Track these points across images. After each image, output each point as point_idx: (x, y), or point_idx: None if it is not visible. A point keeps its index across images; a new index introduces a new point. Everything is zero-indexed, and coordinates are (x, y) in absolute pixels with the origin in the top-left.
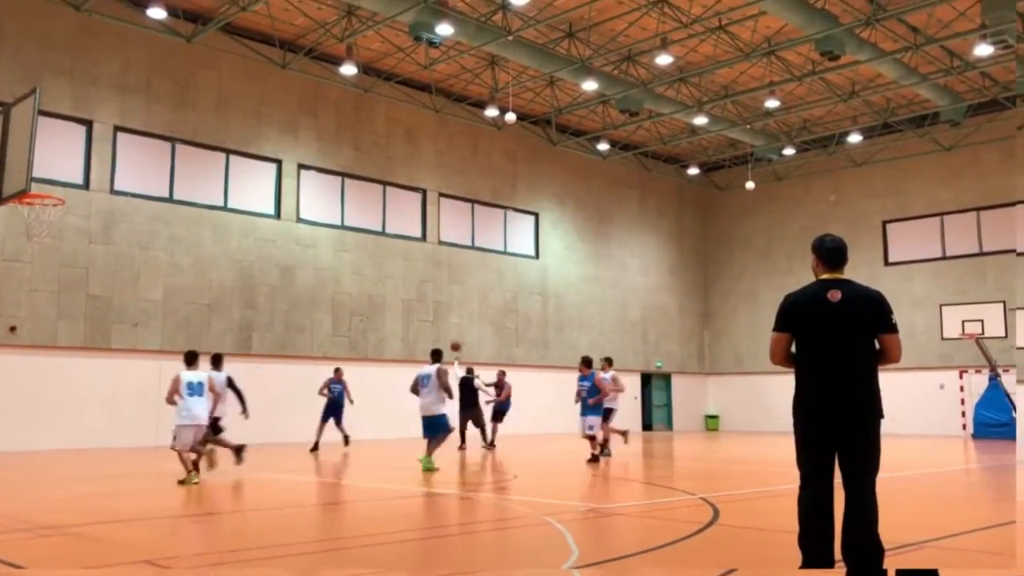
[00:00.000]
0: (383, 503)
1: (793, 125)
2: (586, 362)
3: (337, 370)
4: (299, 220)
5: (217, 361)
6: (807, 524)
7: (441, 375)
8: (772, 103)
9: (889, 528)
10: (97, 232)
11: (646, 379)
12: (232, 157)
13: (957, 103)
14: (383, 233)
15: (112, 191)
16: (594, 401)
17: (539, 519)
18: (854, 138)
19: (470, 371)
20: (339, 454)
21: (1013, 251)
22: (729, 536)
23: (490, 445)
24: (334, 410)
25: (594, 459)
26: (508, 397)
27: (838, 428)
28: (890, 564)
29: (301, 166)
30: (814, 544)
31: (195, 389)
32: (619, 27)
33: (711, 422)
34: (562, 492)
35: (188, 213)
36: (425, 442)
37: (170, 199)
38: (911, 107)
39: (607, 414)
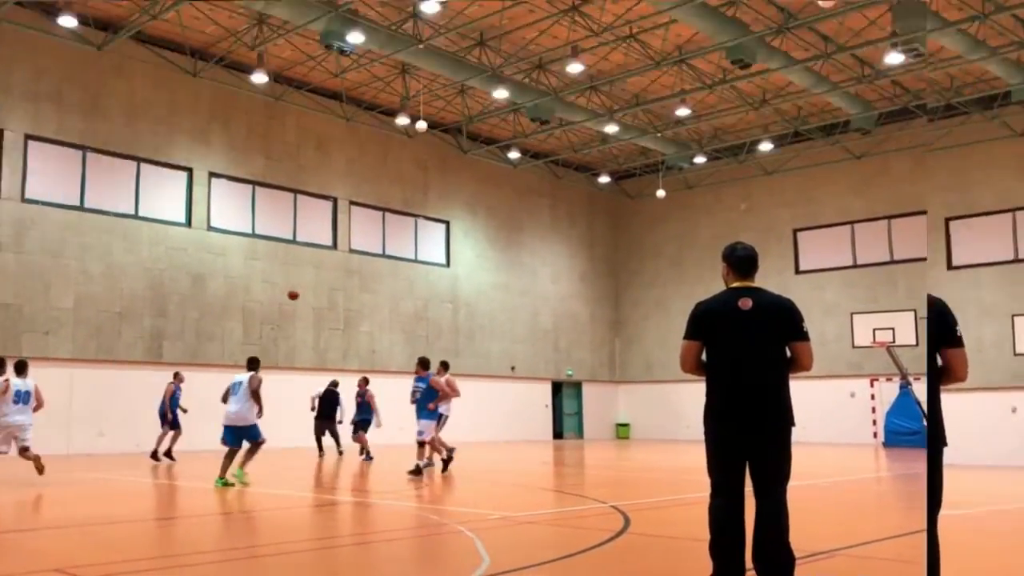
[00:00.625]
0: (292, 510)
1: (704, 133)
2: (423, 363)
3: (176, 374)
4: (210, 228)
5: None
6: (718, 533)
7: (253, 382)
8: (683, 111)
9: (800, 536)
10: (8, 240)
11: (557, 387)
12: (143, 165)
13: (868, 111)
14: (294, 241)
15: (23, 199)
16: (433, 405)
17: (451, 527)
18: (765, 146)
19: (335, 384)
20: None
21: (923, 259)
22: (640, 544)
23: (367, 456)
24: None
25: (417, 471)
26: (368, 405)
27: (749, 436)
28: (801, 573)
29: (212, 174)
30: (725, 553)
31: (22, 397)
32: (530, 35)
33: (622, 430)
34: (473, 500)
35: (99, 221)
36: (224, 453)
37: (81, 207)
38: (822, 115)
39: (439, 419)
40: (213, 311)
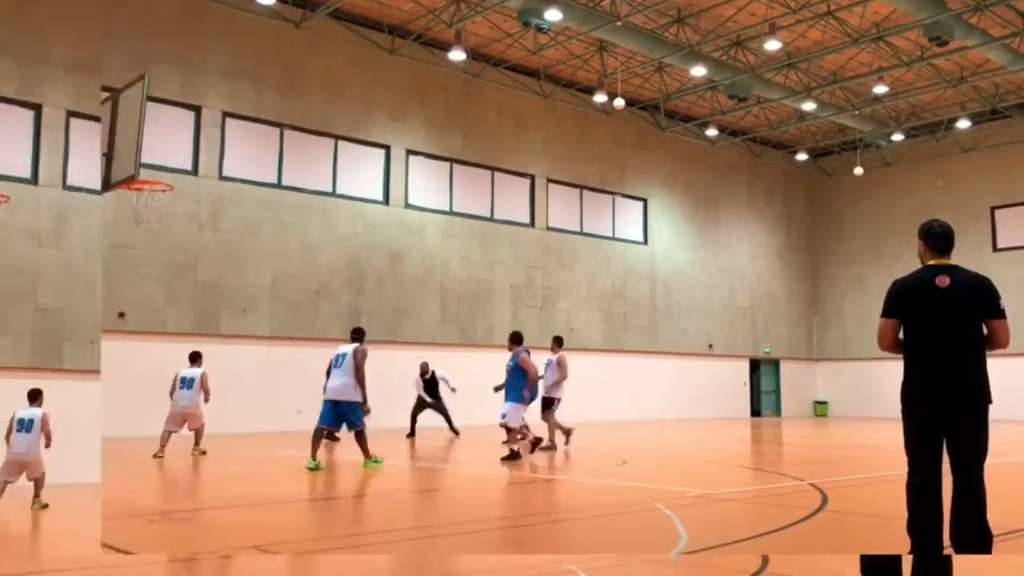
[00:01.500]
0: (487, 488)
1: (901, 111)
2: (513, 338)
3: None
4: (407, 206)
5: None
6: (916, 511)
7: (357, 355)
8: (880, 89)
9: (998, 513)
10: (206, 218)
11: (754, 365)
12: (340, 143)
13: None
14: (491, 219)
15: (220, 177)
16: (527, 391)
17: (649, 505)
18: (962, 124)
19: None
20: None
21: None
22: (838, 522)
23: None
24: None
25: (512, 456)
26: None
27: (947, 414)
28: (999, 550)
29: (409, 152)
30: (923, 530)
31: (24, 425)
32: (728, 12)
33: (820, 408)
34: (671, 477)
35: (296, 199)
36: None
37: (278, 185)
38: (1020, 93)
39: (551, 403)
40: (410, 289)
